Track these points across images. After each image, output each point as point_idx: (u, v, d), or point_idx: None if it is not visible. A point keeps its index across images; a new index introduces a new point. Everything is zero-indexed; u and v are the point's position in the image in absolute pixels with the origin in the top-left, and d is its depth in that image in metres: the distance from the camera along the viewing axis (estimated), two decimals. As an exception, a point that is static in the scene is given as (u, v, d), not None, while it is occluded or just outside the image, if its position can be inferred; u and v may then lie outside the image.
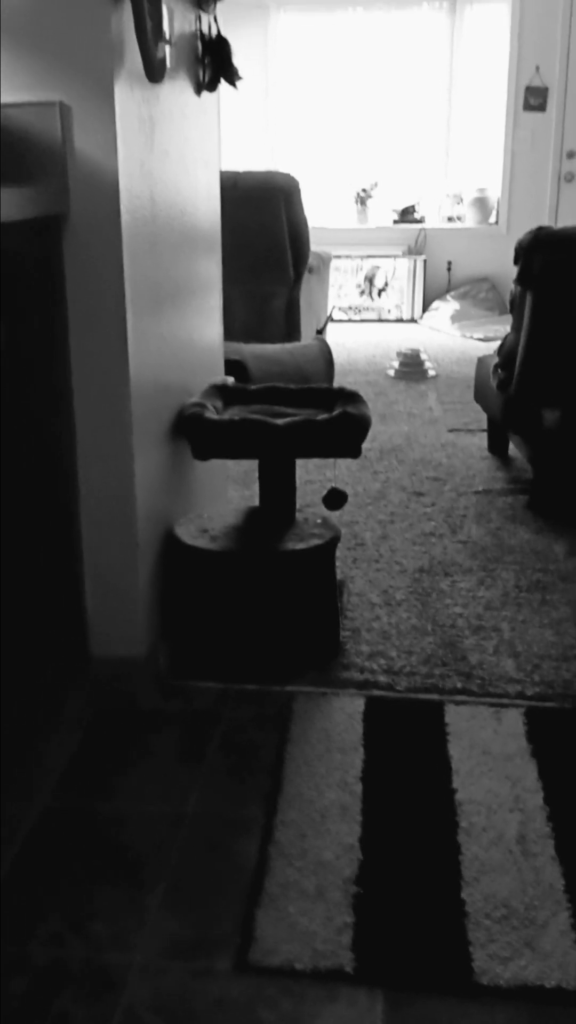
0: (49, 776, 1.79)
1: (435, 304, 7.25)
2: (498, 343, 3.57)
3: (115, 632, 2.01)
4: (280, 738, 1.92)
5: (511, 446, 3.78)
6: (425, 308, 7.35)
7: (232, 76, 2.35)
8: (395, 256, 7.32)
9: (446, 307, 7.10)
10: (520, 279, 3.03)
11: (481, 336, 6.59)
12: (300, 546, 2.14)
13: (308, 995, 1.32)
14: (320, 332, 5.61)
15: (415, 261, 7.26)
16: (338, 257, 7.03)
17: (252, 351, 3.97)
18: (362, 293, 7.41)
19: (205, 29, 2.31)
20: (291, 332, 5.00)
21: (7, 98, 1.70)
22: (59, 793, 1.77)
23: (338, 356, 5.35)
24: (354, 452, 2.21)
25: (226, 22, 2.39)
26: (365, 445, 3.93)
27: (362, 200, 7.37)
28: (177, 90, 2.16)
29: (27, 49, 1.68)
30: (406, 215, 7.40)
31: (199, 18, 2.28)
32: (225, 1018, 1.29)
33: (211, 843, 1.63)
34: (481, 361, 3.78)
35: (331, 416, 2.18)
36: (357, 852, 1.59)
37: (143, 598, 2.01)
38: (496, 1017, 1.30)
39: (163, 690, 2.09)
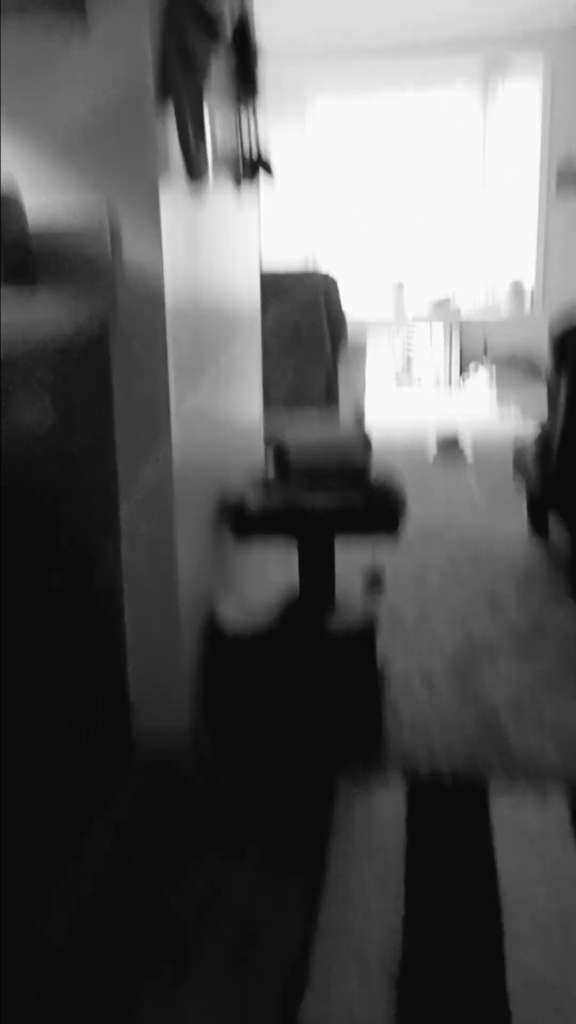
0: (94, 859, 1.78)
1: (472, 374, 7.30)
2: (535, 416, 3.59)
3: (158, 714, 2.01)
4: (323, 820, 1.89)
5: (551, 527, 3.76)
6: (463, 380, 7.41)
7: (269, 167, 2.44)
8: (431, 322, 7.39)
9: (483, 377, 7.14)
10: (555, 368, 3.06)
11: (519, 407, 6.59)
12: (342, 630, 2.14)
13: None
14: (358, 411, 5.69)
15: (451, 335, 7.34)
16: (376, 333, 7.16)
17: (292, 433, 4.03)
18: (400, 371, 7.51)
19: (244, 124, 2.42)
20: (330, 409, 5.10)
21: (60, 208, 1.79)
22: (104, 876, 1.75)
23: (376, 435, 5.39)
24: (392, 533, 2.22)
25: (264, 109, 2.49)
26: (404, 527, 3.96)
27: (398, 292, 7.52)
28: (219, 185, 2.25)
29: (80, 160, 1.78)
30: (441, 306, 7.53)
31: (239, 113, 2.39)
32: None
33: (254, 924, 1.60)
34: (519, 440, 3.80)
35: (368, 498, 2.20)
36: (400, 935, 1.55)
37: (186, 680, 2.02)
38: None
39: (206, 773, 2.08)
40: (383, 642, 2.73)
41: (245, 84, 2.39)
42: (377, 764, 2.10)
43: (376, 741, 2.19)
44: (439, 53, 7.02)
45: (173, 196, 1.86)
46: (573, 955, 1.52)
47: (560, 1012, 1.41)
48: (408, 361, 7.56)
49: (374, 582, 2.41)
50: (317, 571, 2.33)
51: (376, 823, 1.89)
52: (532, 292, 7.35)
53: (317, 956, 1.52)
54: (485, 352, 7.43)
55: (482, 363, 7.22)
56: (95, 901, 1.68)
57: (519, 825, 1.87)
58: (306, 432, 4.12)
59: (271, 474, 2.48)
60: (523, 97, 7.20)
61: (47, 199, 1.79)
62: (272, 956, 1.54)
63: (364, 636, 2.15)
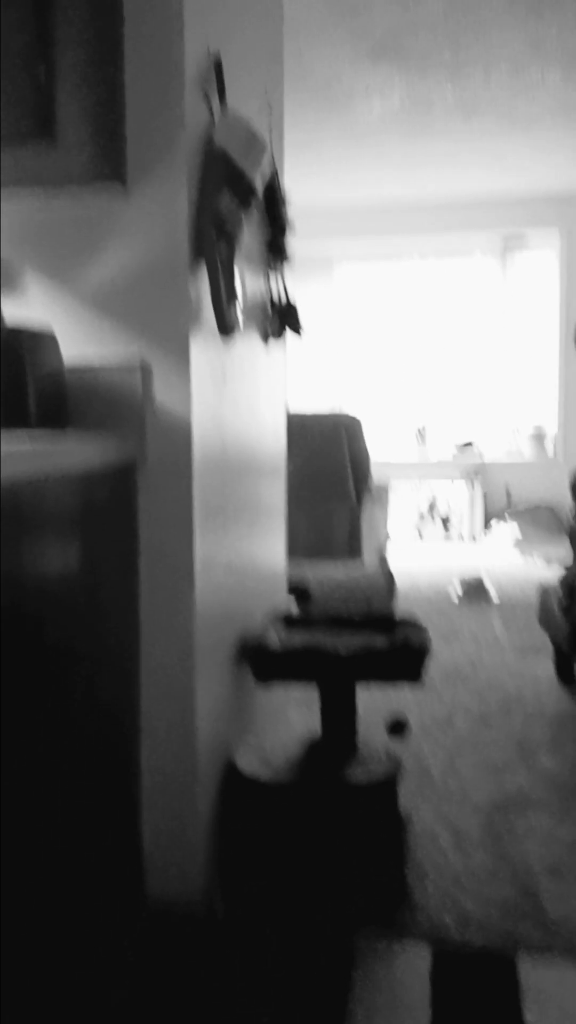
0: (99, 1020, 1.68)
1: (496, 525, 7.35)
2: (559, 564, 3.57)
3: (172, 871, 1.94)
4: (341, 991, 1.78)
5: (580, 672, 3.69)
6: (486, 530, 7.45)
7: (298, 327, 2.55)
8: (453, 479, 7.51)
9: (506, 528, 7.19)
10: (578, 509, 3.08)
11: (542, 556, 6.61)
12: (363, 779, 2.08)
13: None
14: (382, 554, 5.70)
15: (474, 484, 7.45)
16: (399, 478, 7.24)
17: (316, 575, 4.04)
18: (424, 518, 7.58)
19: (274, 286, 2.54)
20: (353, 552, 5.10)
21: (98, 359, 1.87)
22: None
23: (401, 578, 5.40)
24: (415, 678, 2.19)
25: (292, 271, 2.62)
26: (429, 669, 3.90)
27: (421, 436, 7.69)
28: (247, 342, 2.35)
29: (116, 315, 1.87)
30: (464, 449, 7.67)
31: (269, 276, 2.52)
32: None
33: None
34: (543, 588, 3.78)
35: (391, 643, 2.18)
36: None
37: (202, 835, 1.95)
38: None
39: (219, 934, 1.98)
40: (409, 792, 2.64)
41: (275, 251, 2.53)
42: (400, 925, 2.00)
43: (399, 900, 2.08)
44: (458, 229, 7.43)
45: (203, 349, 1.94)
46: None
47: None
48: (432, 507, 7.63)
49: (397, 728, 2.36)
50: (339, 716, 2.28)
51: (399, 990, 1.78)
52: (555, 439, 7.48)
53: None
54: (508, 500, 7.50)
55: (505, 517, 7.29)
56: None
57: (554, 997, 1.75)
58: (330, 575, 4.13)
59: (294, 616, 2.47)
60: (540, 263, 7.56)
61: (84, 350, 1.88)
62: None
63: (386, 786, 2.08)
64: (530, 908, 2.06)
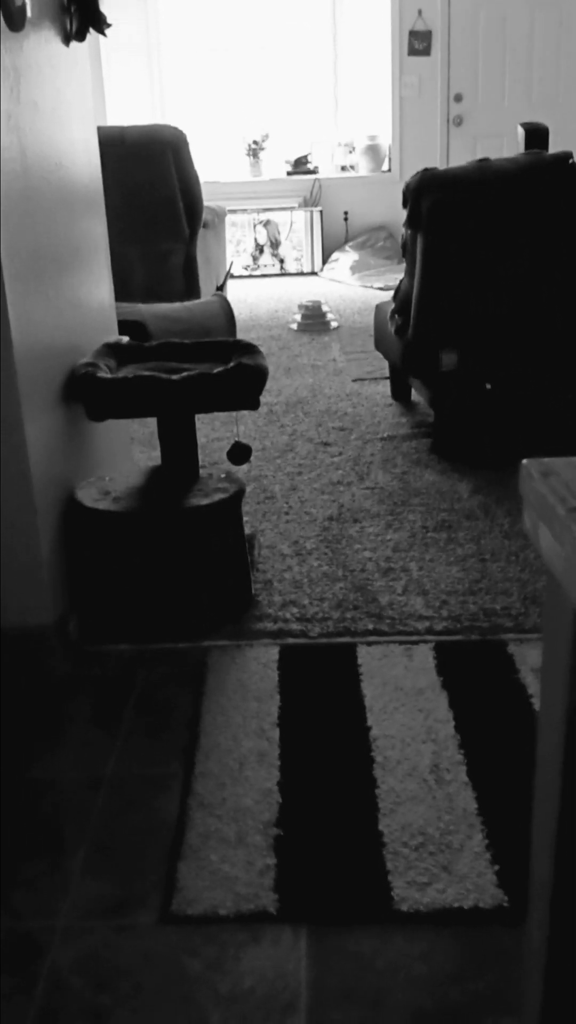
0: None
1: (334, 256, 7.23)
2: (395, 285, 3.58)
3: (21, 601, 1.98)
4: (196, 693, 1.93)
5: (413, 392, 3.81)
6: (325, 260, 7.32)
7: (100, 24, 2.27)
8: (291, 208, 7.24)
9: (345, 258, 7.09)
10: (409, 222, 3.03)
11: (381, 285, 6.60)
12: (204, 501, 2.13)
13: (232, 939, 1.34)
14: (220, 288, 5.54)
15: (311, 213, 7.21)
16: (233, 212, 6.92)
17: (151, 311, 3.91)
18: (261, 251, 7.35)
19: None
20: (190, 289, 4.92)
21: None
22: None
23: (240, 311, 5.30)
24: (252, 404, 2.20)
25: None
26: (271, 399, 3.95)
27: (254, 152, 7.25)
28: (43, 40, 2.08)
29: None
30: (299, 166, 7.32)
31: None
32: (150, 971, 1.30)
33: (131, 802, 1.63)
34: (379, 308, 3.79)
35: (226, 368, 2.16)
36: (276, 796, 1.61)
37: (47, 564, 1.98)
38: (417, 942, 1.34)
39: (76, 656, 2.07)
40: (253, 513, 2.74)
41: None
42: (249, 630, 2.14)
43: (246, 607, 2.22)
44: None
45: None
46: (444, 795, 1.62)
47: (428, 847, 1.51)
48: (270, 239, 7.38)
49: (239, 453, 2.40)
50: (178, 446, 2.30)
51: (250, 683, 1.94)
52: (389, 150, 7.23)
53: (194, 825, 1.57)
54: (346, 226, 7.32)
55: (344, 248, 7.14)
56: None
57: (383, 671, 1.95)
58: (166, 312, 4.00)
59: (125, 346, 2.40)
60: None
61: None
62: (149, 828, 1.58)
63: (227, 505, 2.15)
64: (363, 602, 2.24)
